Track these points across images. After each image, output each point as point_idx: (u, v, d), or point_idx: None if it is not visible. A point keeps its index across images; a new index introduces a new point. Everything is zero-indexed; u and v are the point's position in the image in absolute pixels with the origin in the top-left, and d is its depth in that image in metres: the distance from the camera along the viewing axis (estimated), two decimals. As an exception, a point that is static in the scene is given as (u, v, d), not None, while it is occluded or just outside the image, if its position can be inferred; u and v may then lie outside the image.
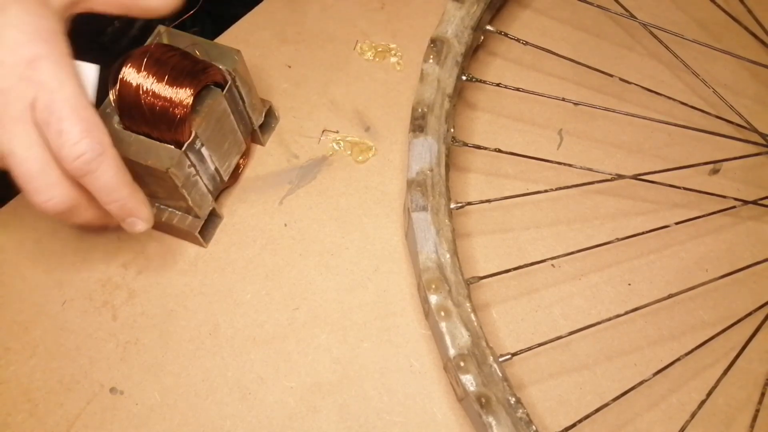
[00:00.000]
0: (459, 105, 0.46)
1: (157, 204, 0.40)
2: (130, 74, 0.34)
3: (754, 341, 0.38)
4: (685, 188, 0.42)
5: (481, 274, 0.38)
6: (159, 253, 0.41)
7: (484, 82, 0.44)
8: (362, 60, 0.47)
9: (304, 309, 0.40)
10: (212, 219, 0.41)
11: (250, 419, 0.37)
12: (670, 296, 0.38)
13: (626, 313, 0.37)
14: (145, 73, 0.34)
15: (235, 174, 0.42)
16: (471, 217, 0.42)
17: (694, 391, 0.37)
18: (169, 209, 0.40)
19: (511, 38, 0.44)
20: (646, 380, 0.36)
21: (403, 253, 0.41)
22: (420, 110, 0.40)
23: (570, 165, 0.41)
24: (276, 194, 0.43)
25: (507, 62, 0.48)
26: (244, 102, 0.40)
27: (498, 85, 0.43)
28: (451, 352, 0.34)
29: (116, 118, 0.36)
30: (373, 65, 0.47)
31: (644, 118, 0.43)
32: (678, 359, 0.37)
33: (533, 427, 0.33)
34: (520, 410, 0.33)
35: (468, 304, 0.36)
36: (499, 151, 0.41)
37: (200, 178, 0.38)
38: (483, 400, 0.33)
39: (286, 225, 0.42)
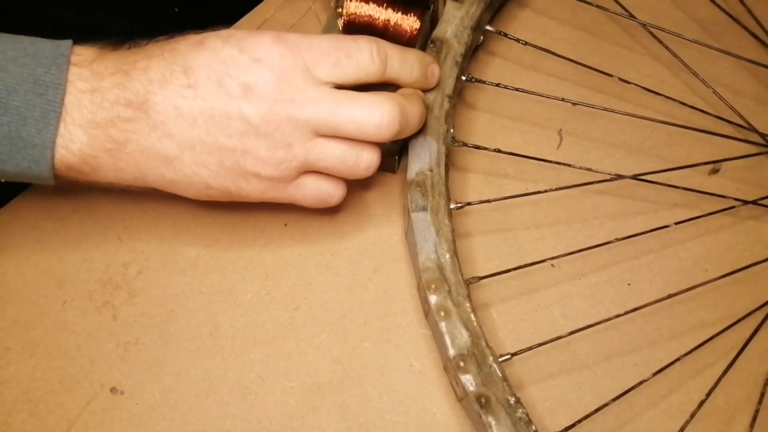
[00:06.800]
0: (459, 105, 0.46)
1: None
2: (359, 6, 0.38)
3: (754, 341, 0.38)
4: (684, 188, 0.42)
5: (481, 274, 0.38)
6: (159, 253, 0.41)
7: (484, 82, 0.44)
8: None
9: (304, 309, 0.40)
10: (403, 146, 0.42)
11: (251, 419, 0.37)
12: (669, 296, 0.38)
13: (626, 313, 0.37)
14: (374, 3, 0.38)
15: None
16: (471, 217, 0.42)
17: (694, 391, 0.37)
18: None
19: (511, 38, 0.44)
20: (646, 380, 0.36)
21: (403, 253, 0.41)
22: (420, 110, 0.40)
23: (570, 165, 0.41)
24: (276, 194, 0.43)
25: (507, 62, 0.48)
26: None
27: (498, 85, 0.43)
28: (451, 352, 0.35)
29: None
30: (373, 65, 0.47)
31: (644, 118, 0.43)
32: (678, 359, 0.37)
33: (533, 427, 0.33)
34: (520, 410, 0.33)
35: (468, 304, 0.36)
36: (499, 151, 0.41)
37: None
38: (483, 400, 0.33)
39: (286, 225, 0.42)
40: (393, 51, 0.36)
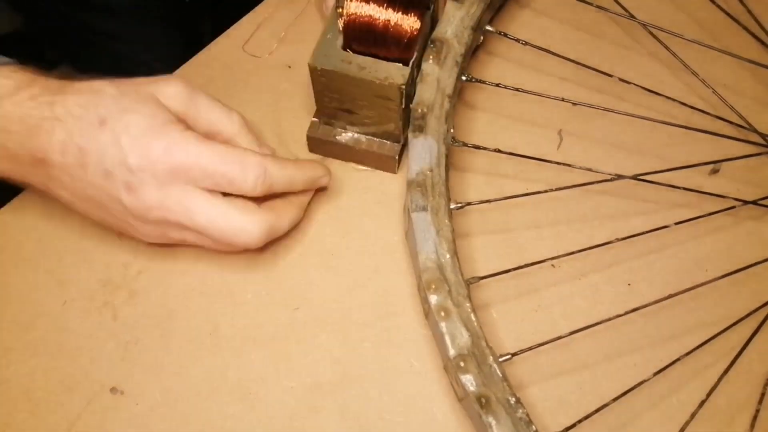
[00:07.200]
0: (459, 105, 0.46)
1: (353, 134, 0.42)
2: (360, 6, 0.38)
3: (754, 341, 0.38)
4: (685, 188, 0.42)
5: (481, 274, 0.38)
6: (159, 253, 0.41)
7: (484, 82, 0.44)
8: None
9: (304, 309, 0.40)
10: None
11: (251, 419, 0.37)
12: (670, 296, 0.38)
13: (626, 313, 0.37)
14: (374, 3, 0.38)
15: None
16: (471, 217, 0.42)
17: (694, 391, 0.37)
18: (367, 137, 0.42)
19: (511, 38, 0.44)
20: (646, 380, 0.36)
21: (403, 253, 0.41)
22: (420, 110, 0.40)
23: (570, 165, 0.41)
24: (276, 194, 0.43)
25: (507, 62, 0.48)
26: None
27: (498, 85, 0.43)
28: (451, 352, 0.35)
29: (339, 42, 0.39)
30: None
31: (644, 118, 0.43)
32: (678, 359, 0.37)
33: (533, 427, 0.33)
34: (520, 410, 0.33)
35: (468, 304, 0.36)
36: (499, 151, 0.41)
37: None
38: (483, 400, 0.33)
39: (286, 225, 0.42)
40: (280, 176, 0.37)
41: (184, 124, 0.36)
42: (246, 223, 0.36)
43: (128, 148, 0.34)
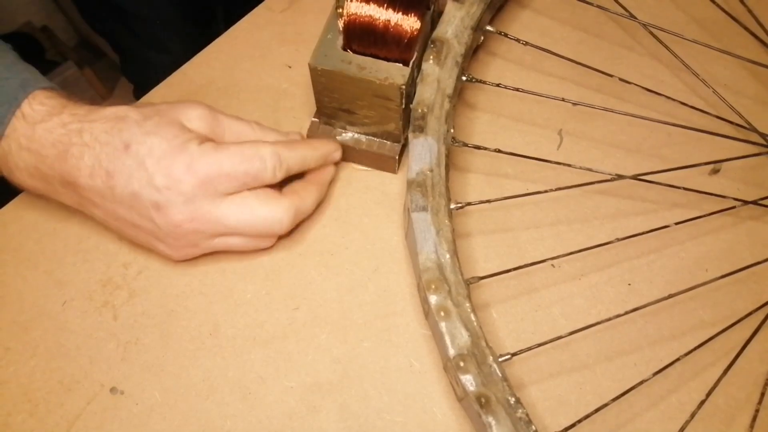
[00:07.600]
0: (459, 105, 0.46)
1: (353, 134, 0.43)
2: (360, 6, 0.38)
3: (754, 341, 0.38)
4: (685, 188, 0.42)
5: (481, 274, 0.38)
6: (159, 253, 0.41)
7: (484, 82, 0.44)
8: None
9: (304, 309, 0.40)
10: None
11: (251, 419, 0.37)
12: (670, 296, 0.38)
13: (626, 313, 0.37)
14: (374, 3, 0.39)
15: None
16: (471, 217, 0.42)
17: (694, 391, 0.37)
18: (367, 137, 0.42)
19: (511, 38, 0.44)
20: (646, 380, 0.36)
21: (403, 253, 0.41)
22: (420, 110, 0.40)
23: (570, 165, 0.41)
24: (276, 194, 0.43)
25: (507, 62, 0.48)
26: None
27: (498, 85, 0.43)
28: (451, 352, 0.34)
29: (339, 42, 0.40)
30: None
31: (644, 118, 0.43)
32: (678, 359, 0.37)
33: (533, 427, 0.33)
34: (520, 410, 0.33)
35: (468, 304, 0.36)
36: (499, 151, 0.41)
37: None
38: (483, 400, 0.33)
39: (286, 225, 0.42)
40: (293, 156, 0.39)
41: (210, 140, 0.38)
42: (273, 212, 0.38)
43: (153, 170, 0.36)
